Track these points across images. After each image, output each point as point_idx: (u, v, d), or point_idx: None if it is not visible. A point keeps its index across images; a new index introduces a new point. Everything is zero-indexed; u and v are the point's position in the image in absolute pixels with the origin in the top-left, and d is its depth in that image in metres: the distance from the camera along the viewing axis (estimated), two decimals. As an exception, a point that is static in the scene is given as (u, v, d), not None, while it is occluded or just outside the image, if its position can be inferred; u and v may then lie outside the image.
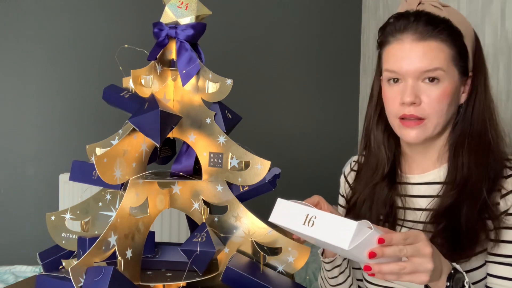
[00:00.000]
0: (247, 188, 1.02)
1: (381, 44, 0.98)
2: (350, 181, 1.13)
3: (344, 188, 1.17)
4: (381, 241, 0.71)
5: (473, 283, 0.89)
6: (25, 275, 1.82)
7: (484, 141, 0.94)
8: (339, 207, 1.19)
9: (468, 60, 0.94)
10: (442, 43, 0.90)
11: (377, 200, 1.02)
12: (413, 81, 0.91)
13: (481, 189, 0.89)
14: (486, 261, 0.91)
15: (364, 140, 1.06)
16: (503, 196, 0.90)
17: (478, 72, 0.95)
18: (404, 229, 0.99)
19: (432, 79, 0.90)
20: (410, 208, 1.00)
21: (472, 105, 0.95)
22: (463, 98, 0.96)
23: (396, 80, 0.94)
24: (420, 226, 0.95)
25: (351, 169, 1.16)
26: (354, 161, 1.16)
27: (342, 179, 1.18)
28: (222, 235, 1.02)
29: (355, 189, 1.08)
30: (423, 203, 0.98)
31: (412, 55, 0.91)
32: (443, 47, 0.90)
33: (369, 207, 1.02)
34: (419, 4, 0.94)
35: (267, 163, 1.00)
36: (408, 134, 0.94)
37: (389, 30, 0.95)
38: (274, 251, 1.03)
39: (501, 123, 0.97)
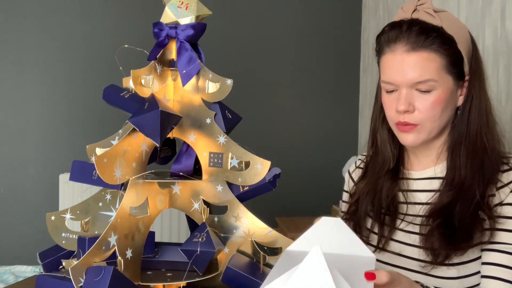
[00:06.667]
0: (247, 188, 1.02)
1: (378, 52, 1.02)
2: (355, 178, 1.16)
3: (348, 184, 1.21)
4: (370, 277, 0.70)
5: (468, 275, 0.95)
6: (25, 275, 1.82)
7: (480, 144, 0.97)
8: (342, 203, 1.23)
9: (464, 64, 0.97)
10: (434, 53, 0.93)
11: (379, 194, 1.06)
12: (406, 90, 0.95)
13: (474, 192, 0.94)
14: (482, 250, 0.95)
15: (371, 138, 1.11)
16: (498, 188, 0.94)
17: (473, 76, 0.98)
18: (404, 223, 1.03)
19: (423, 90, 0.94)
20: (410, 203, 1.04)
21: (468, 108, 0.99)
22: (460, 100, 0.99)
23: (391, 91, 0.98)
24: (419, 220, 1.00)
25: (357, 167, 1.20)
26: (359, 159, 1.20)
27: (346, 176, 1.22)
28: (222, 235, 1.02)
29: (359, 184, 1.11)
30: (423, 197, 1.03)
31: (404, 66, 0.94)
32: (434, 57, 0.93)
33: (372, 200, 1.06)
34: (414, 11, 0.97)
35: (267, 163, 1.00)
36: (405, 138, 0.99)
37: (383, 40, 0.99)
38: (274, 251, 1.03)
39: (499, 125, 1.01)
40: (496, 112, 1.01)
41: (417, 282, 0.83)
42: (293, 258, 0.72)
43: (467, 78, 0.98)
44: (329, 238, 0.74)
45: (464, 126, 0.98)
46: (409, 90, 0.95)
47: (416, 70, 0.93)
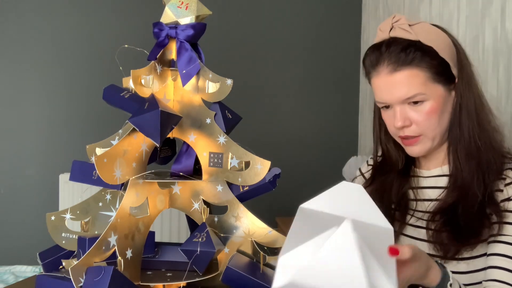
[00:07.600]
0: (247, 188, 1.02)
1: (366, 75, 1.05)
2: (367, 177, 1.19)
3: (359, 182, 1.23)
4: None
5: (478, 270, 0.96)
6: (25, 275, 1.82)
7: (474, 144, 0.99)
8: None
9: (451, 67, 0.98)
10: (416, 68, 0.95)
11: (389, 191, 1.09)
12: (399, 107, 0.98)
13: (476, 193, 0.95)
14: (488, 242, 0.96)
15: (376, 147, 1.14)
16: (507, 184, 0.96)
17: (460, 77, 1.00)
18: (413, 219, 1.05)
19: (415, 102, 0.97)
20: (420, 199, 1.06)
21: (459, 109, 1.00)
22: (455, 101, 1.01)
23: (387, 107, 1.01)
24: (427, 216, 1.02)
25: (369, 165, 1.23)
26: (372, 158, 1.22)
27: (357, 173, 1.25)
28: (222, 235, 1.02)
29: (367, 188, 1.12)
30: (432, 194, 1.05)
31: (389, 87, 0.97)
32: (417, 73, 0.95)
33: (381, 197, 1.08)
34: (391, 29, 0.99)
35: (267, 163, 1.00)
36: (412, 150, 1.02)
37: (367, 63, 1.02)
38: (274, 251, 1.03)
39: (493, 121, 1.02)
40: (490, 107, 1.02)
41: (431, 255, 0.82)
42: (311, 218, 0.68)
43: (457, 80, 1.00)
44: (347, 203, 0.69)
45: (456, 128, 1.00)
46: (402, 106, 0.98)
47: (402, 88, 0.95)
